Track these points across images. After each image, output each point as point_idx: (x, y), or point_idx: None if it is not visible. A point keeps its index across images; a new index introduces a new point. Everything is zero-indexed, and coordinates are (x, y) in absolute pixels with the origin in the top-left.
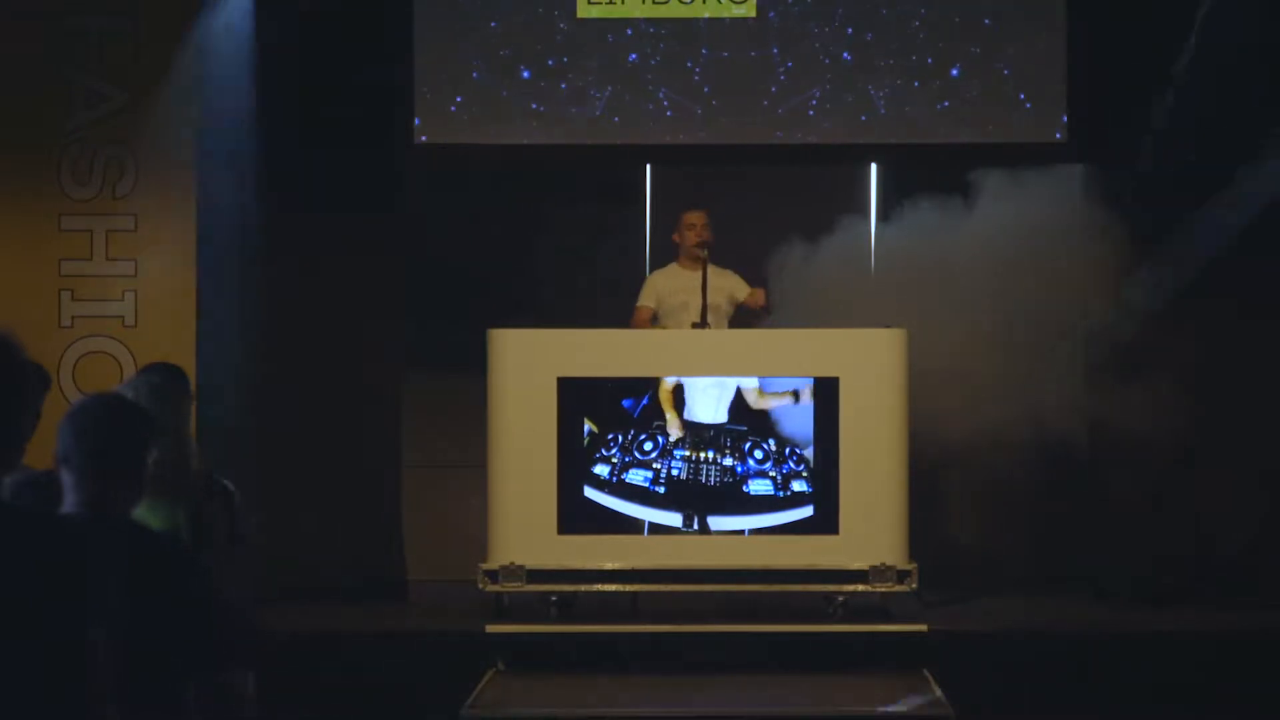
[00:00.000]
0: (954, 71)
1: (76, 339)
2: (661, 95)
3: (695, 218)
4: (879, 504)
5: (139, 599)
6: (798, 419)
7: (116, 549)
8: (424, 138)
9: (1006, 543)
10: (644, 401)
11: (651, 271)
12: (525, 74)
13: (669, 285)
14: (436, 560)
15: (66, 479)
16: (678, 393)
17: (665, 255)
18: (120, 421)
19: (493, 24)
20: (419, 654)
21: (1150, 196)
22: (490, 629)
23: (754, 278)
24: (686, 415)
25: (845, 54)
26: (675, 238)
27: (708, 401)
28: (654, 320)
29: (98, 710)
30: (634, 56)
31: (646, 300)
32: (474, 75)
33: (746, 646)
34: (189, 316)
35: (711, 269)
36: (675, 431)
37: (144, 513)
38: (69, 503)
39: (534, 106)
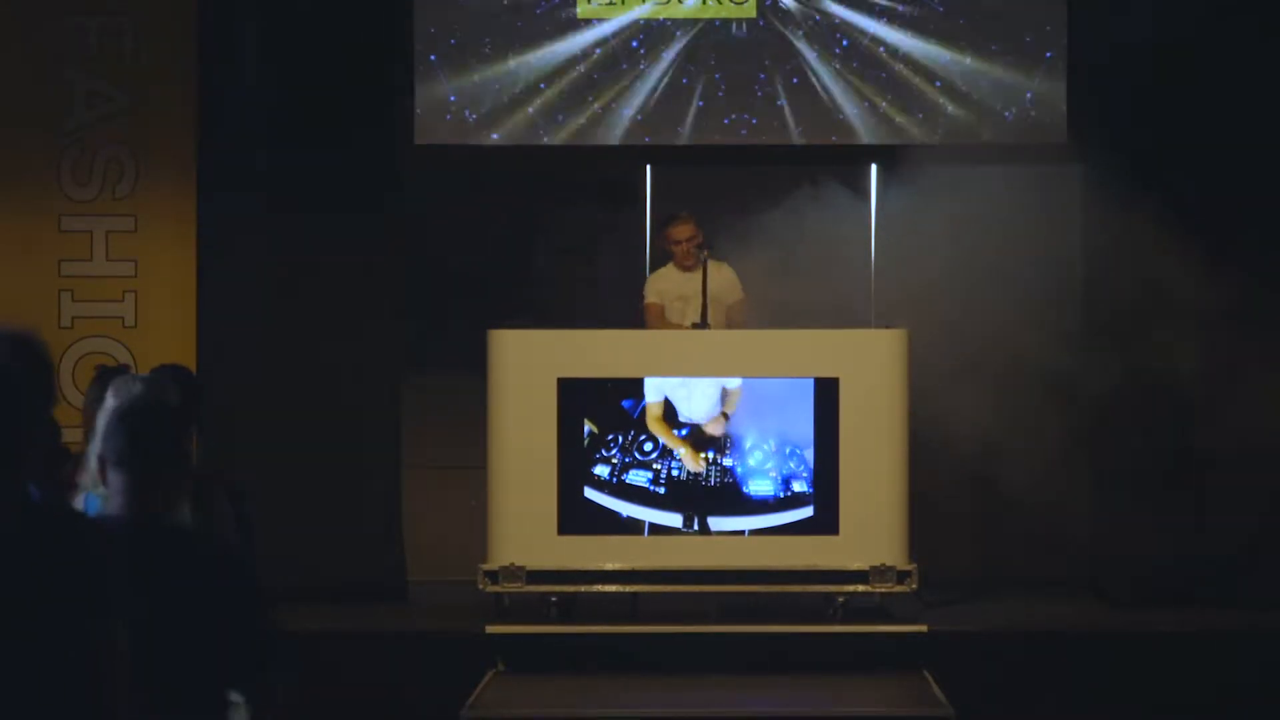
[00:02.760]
0: (954, 71)
1: (76, 339)
2: (662, 95)
3: (680, 231)
4: (879, 504)
5: (189, 602)
6: (798, 419)
7: (166, 551)
8: (424, 138)
9: (1006, 543)
10: (644, 402)
11: (651, 271)
12: (526, 74)
13: (668, 289)
14: (436, 560)
15: (114, 480)
16: (668, 413)
17: (665, 255)
18: (172, 425)
19: (493, 24)
20: (419, 654)
21: (1150, 196)
22: (490, 629)
23: (753, 278)
24: (684, 417)
25: (846, 54)
26: (666, 246)
27: (698, 402)
28: (663, 315)
29: (115, 713)
30: (634, 57)
31: (653, 297)
32: (474, 75)
33: (747, 647)
34: (189, 316)
35: (717, 272)
36: (680, 449)
37: None
38: (116, 504)
39: (534, 107)
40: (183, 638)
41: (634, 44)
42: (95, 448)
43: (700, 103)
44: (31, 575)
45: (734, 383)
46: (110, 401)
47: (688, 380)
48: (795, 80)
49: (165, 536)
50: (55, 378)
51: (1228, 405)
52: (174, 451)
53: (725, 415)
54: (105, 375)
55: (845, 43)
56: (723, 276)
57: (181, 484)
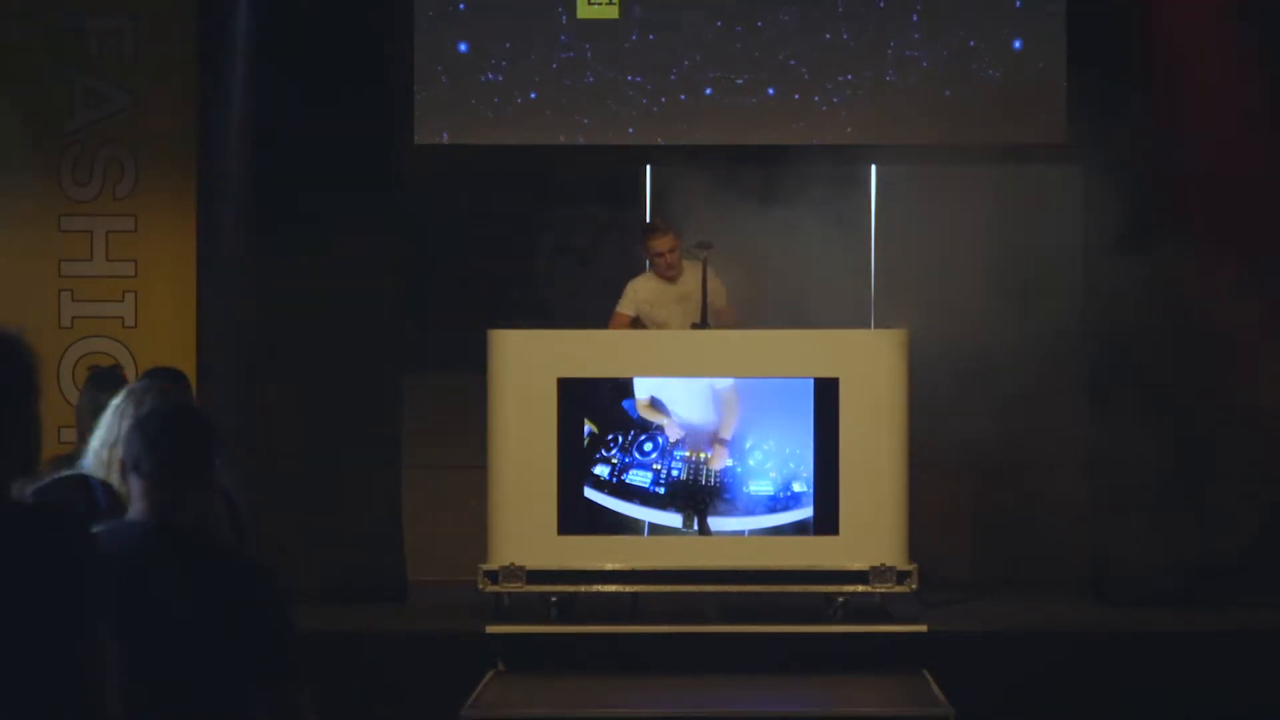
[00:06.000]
0: (954, 71)
1: (76, 339)
2: (661, 95)
3: (661, 243)
4: (879, 504)
5: (209, 608)
6: (798, 419)
7: (186, 557)
8: (424, 138)
9: (1006, 543)
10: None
11: (635, 277)
12: (526, 74)
13: (650, 296)
14: (436, 560)
15: (134, 486)
16: (655, 404)
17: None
18: (193, 431)
19: (493, 24)
20: (419, 654)
21: (1150, 196)
22: (490, 629)
23: (752, 278)
24: (677, 420)
25: (845, 54)
26: (647, 257)
27: (694, 404)
28: (633, 327)
29: (104, 714)
30: (634, 56)
31: (625, 308)
32: (474, 75)
33: (747, 647)
34: (189, 316)
35: (693, 273)
36: (674, 433)
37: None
38: (135, 510)
39: (534, 107)
40: (202, 643)
41: (634, 44)
42: (118, 451)
43: (701, 102)
44: (13, 574)
45: (731, 401)
46: (140, 406)
47: (686, 382)
48: (795, 81)
49: (185, 543)
50: (39, 377)
51: (1228, 405)
52: (197, 459)
53: (722, 441)
54: (98, 376)
55: (845, 43)
56: (711, 282)
57: (201, 492)
